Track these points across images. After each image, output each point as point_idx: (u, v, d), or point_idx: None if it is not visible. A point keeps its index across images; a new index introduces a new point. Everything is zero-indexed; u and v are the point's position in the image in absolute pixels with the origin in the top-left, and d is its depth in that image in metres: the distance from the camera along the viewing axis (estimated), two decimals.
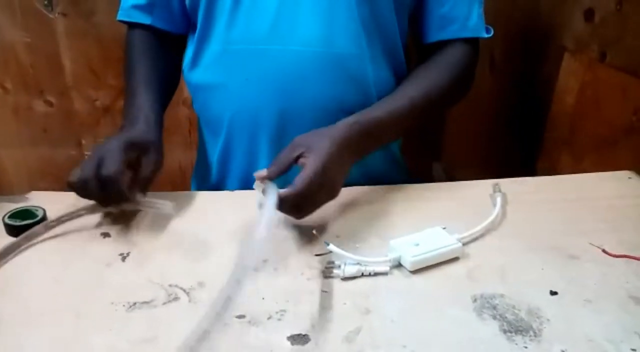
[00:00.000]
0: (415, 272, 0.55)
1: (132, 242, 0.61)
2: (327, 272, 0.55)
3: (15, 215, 0.62)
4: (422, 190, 0.72)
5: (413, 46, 0.81)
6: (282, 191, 0.56)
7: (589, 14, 0.91)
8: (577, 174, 0.79)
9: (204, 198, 0.71)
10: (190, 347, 0.41)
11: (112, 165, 0.58)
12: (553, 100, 1.02)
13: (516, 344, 0.46)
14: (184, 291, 0.53)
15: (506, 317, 0.49)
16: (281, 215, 0.58)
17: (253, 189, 0.59)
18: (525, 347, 0.46)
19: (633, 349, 0.45)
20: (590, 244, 0.59)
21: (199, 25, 0.74)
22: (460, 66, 0.75)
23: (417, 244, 0.56)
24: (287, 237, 0.61)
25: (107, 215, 0.65)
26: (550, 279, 0.54)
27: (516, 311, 0.50)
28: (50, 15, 1.15)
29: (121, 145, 0.60)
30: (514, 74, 1.14)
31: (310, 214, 0.60)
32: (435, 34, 0.76)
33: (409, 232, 0.59)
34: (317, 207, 0.60)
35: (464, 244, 0.58)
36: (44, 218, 0.63)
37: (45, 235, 0.62)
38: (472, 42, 0.76)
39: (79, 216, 0.63)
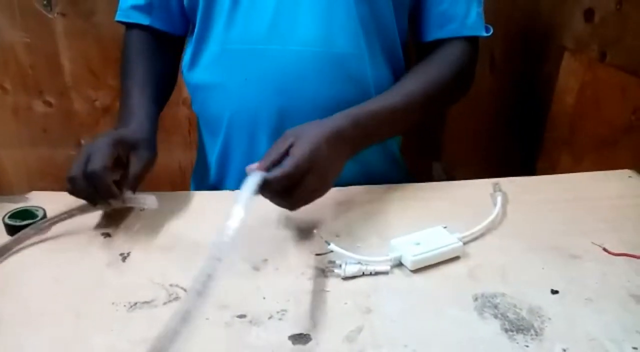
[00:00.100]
0: (416, 271, 0.55)
1: (132, 242, 0.61)
2: (328, 272, 0.55)
3: (16, 215, 0.62)
4: (422, 189, 0.72)
5: (413, 45, 0.81)
6: (268, 173, 0.55)
7: (589, 14, 0.91)
8: (577, 173, 0.79)
9: (203, 198, 0.71)
10: (159, 349, 0.38)
11: (99, 161, 0.57)
12: (553, 100, 1.02)
13: (517, 343, 0.46)
14: (185, 290, 0.53)
15: (507, 317, 0.49)
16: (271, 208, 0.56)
17: None
18: (527, 346, 0.46)
19: (634, 348, 0.45)
20: (592, 243, 0.59)
21: (197, 26, 0.74)
22: (459, 64, 0.75)
23: (418, 244, 0.56)
24: (287, 237, 0.61)
25: (107, 215, 0.65)
26: (551, 278, 0.54)
27: (517, 310, 0.50)
28: (50, 16, 1.15)
29: (110, 142, 0.60)
30: (514, 74, 1.14)
31: (300, 202, 0.58)
32: (434, 33, 0.76)
33: (409, 232, 0.59)
34: (307, 195, 0.58)
35: (464, 244, 0.58)
36: (44, 218, 0.63)
37: (46, 235, 0.62)
38: (472, 41, 0.76)
39: (72, 216, 0.63)
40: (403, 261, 0.56)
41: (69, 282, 0.55)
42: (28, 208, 0.64)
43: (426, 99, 0.71)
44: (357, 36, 0.71)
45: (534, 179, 0.76)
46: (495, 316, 0.49)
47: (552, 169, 1.03)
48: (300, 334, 0.47)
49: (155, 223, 0.64)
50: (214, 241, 0.44)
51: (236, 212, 0.46)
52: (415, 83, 0.71)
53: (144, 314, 0.50)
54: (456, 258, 0.57)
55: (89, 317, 0.50)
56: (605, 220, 0.64)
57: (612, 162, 0.85)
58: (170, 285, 0.54)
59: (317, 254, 0.58)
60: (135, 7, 0.77)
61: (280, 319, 0.49)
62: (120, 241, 0.61)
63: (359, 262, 0.55)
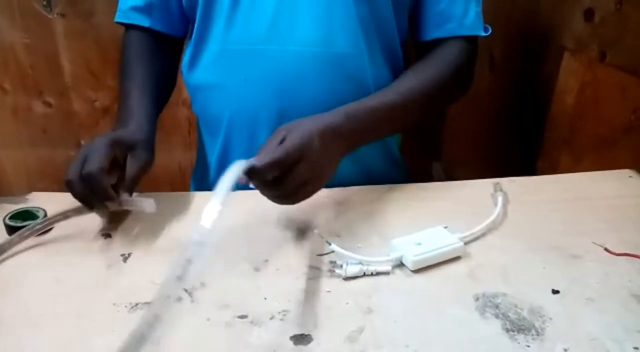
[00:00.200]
0: (417, 271, 0.55)
1: (133, 243, 0.61)
2: (329, 272, 0.55)
3: (16, 216, 0.62)
4: (423, 189, 0.72)
5: (412, 45, 0.81)
6: (256, 159, 0.53)
7: (588, 14, 0.91)
8: (577, 173, 0.79)
9: (203, 198, 0.71)
10: (139, 335, 0.37)
11: (95, 162, 0.57)
12: (553, 100, 1.02)
13: (519, 343, 0.46)
14: (186, 291, 0.53)
15: (508, 316, 0.49)
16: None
17: (250, 188, 0.57)
18: (528, 346, 0.46)
19: (635, 348, 0.45)
20: (593, 243, 0.59)
21: (197, 26, 0.74)
22: (457, 62, 0.75)
23: (419, 244, 0.56)
24: (288, 237, 0.61)
25: (108, 216, 0.65)
26: (552, 278, 0.54)
27: (518, 310, 0.50)
28: (49, 16, 1.15)
29: (107, 142, 0.59)
30: (513, 74, 1.14)
31: (292, 195, 0.57)
32: (432, 32, 0.76)
33: (410, 232, 0.59)
34: (298, 186, 0.56)
35: (465, 244, 0.58)
36: None
37: (46, 236, 0.61)
38: (470, 41, 0.76)
39: (67, 217, 0.62)
40: (404, 261, 0.56)
41: (70, 283, 0.54)
42: (29, 209, 0.64)
43: (425, 96, 0.71)
44: (357, 36, 0.71)
45: (534, 179, 0.76)
46: (497, 316, 0.49)
47: (552, 169, 1.03)
48: (302, 334, 0.47)
49: (155, 224, 0.64)
50: (195, 226, 0.43)
51: (217, 196, 0.44)
52: (414, 81, 0.71)
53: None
54: (457, 258, 0.57)
55: (89, 318, 0.50)
56: (605, 220, 0.64)
57: (612, 162, 0.85)
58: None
59: (319, 255, 0.58)
60: (135, 8, 0.77)
61: (281, 319, 0.49)
62: (121, 241, 0.61)
63: (360, 263, 0.55)
